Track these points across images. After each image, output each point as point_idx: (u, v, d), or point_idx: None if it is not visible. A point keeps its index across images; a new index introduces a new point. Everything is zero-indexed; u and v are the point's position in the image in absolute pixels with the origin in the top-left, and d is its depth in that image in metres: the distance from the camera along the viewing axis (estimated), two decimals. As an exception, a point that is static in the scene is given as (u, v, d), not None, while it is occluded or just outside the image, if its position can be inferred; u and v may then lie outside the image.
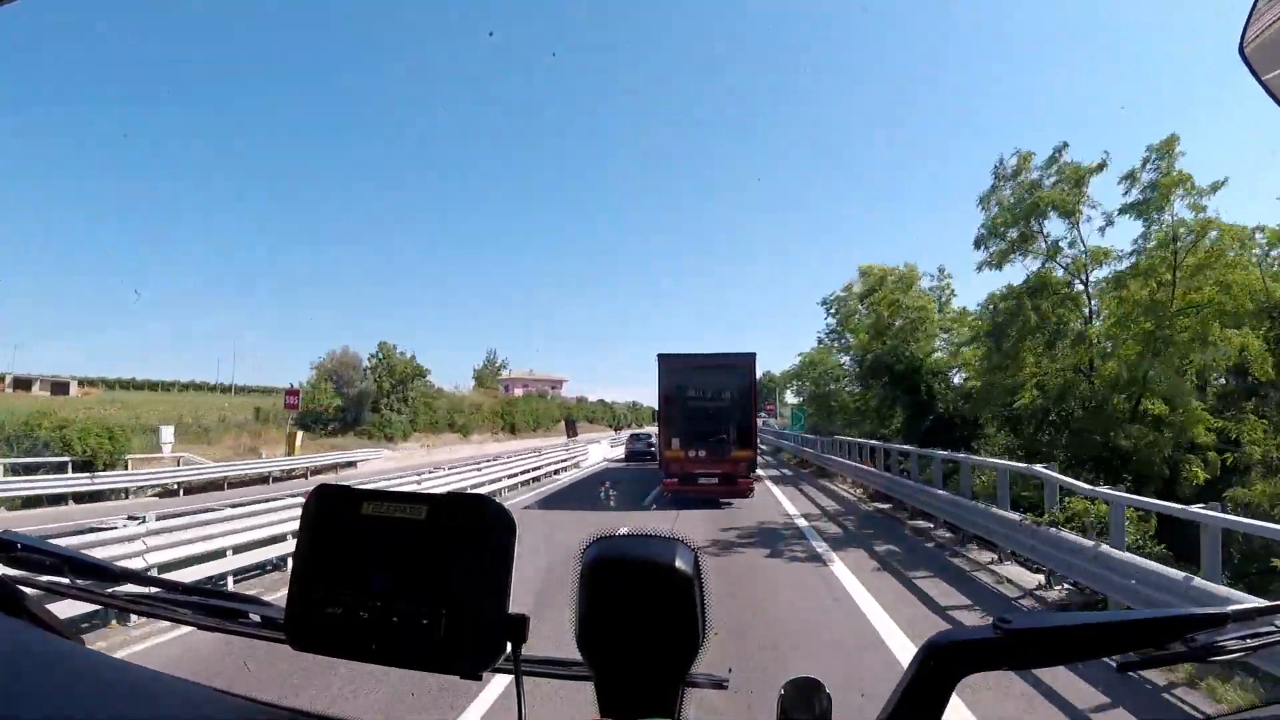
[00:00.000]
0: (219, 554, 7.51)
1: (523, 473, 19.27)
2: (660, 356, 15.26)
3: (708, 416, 14.87)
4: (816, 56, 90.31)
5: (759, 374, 16.46)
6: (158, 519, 6.97)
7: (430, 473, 15.64)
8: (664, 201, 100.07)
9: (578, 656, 0.69)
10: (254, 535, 7.99)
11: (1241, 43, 0.90)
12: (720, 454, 14.46)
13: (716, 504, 14.20)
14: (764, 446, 34.40)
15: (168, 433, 23.46)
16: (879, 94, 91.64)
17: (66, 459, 18.47)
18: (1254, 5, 0.86)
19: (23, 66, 38.54)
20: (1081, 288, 15.45)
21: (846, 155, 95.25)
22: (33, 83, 39.86)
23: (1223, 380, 14.65)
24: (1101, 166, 14.43)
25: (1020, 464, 10.67)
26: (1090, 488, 7.96)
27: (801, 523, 12.35)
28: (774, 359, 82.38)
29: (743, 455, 14.56)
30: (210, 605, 0.93)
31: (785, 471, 26.05)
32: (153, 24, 51.79)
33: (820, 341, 34.43)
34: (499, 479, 17.28)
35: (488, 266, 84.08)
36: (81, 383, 38.77)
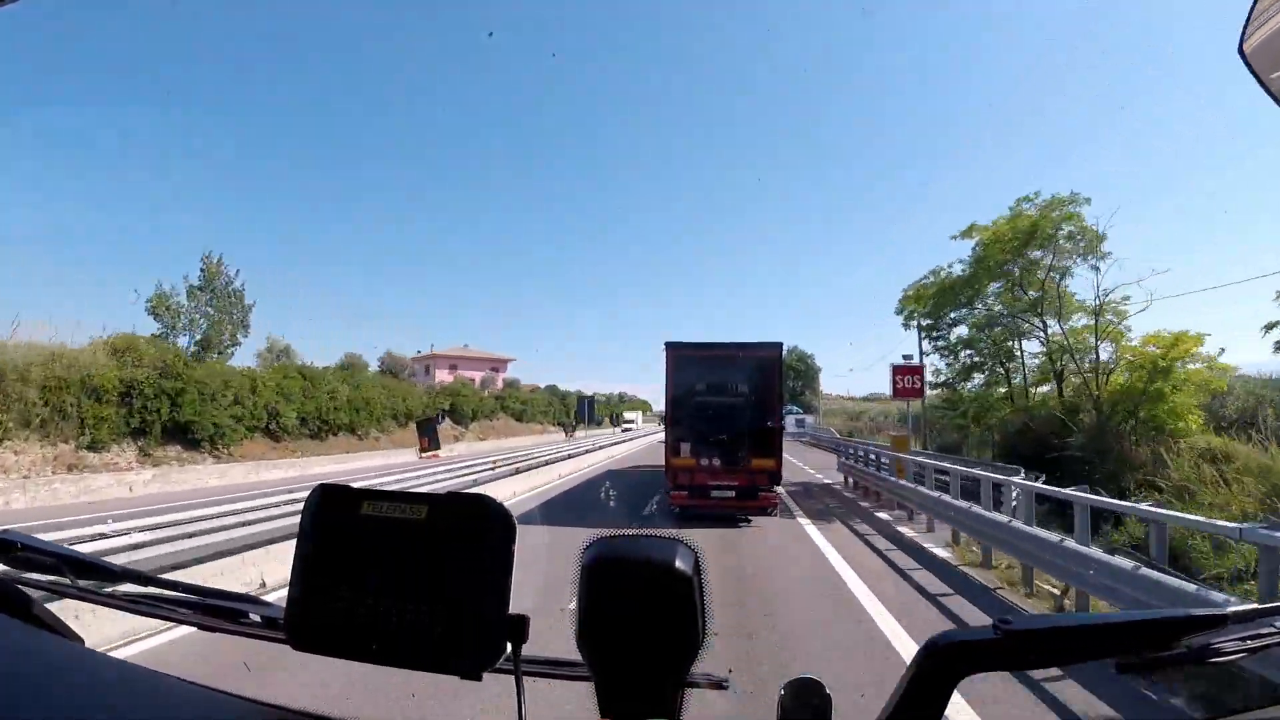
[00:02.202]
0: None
1: None
2: (669, 345, 12.82)
3: (724, 418, 12.65)
4: (817, 51, 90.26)
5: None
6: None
7: None
8: (666, 201, 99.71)
9: (578, 657, 0.70)
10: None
11: (1241, 43, 0.90)
12: (738, 463, 12.28)
13: (733, 521, 12.12)
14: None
15: None
16: (875, 93, 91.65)
17: None
18: (1253, 5, 0.86)
19: (27, 65, 38.12)
20: None
21: (848, 154, 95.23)
22: (31, 82, 39.47)
23: None
24: None
25: None
26: None
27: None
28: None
29: (765, 465, 12.27)
30: (210, 605, 0.93)
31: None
32: (152, 22, 51.49)
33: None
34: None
35: (482, 263, 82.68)
36: None
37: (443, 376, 49.46)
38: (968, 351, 22.58)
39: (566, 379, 72.05)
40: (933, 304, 22.07)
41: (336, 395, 28.45)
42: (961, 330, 22.83)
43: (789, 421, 49.08)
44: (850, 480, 17.93)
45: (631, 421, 66.18)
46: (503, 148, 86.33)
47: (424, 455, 30.27)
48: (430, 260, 78.78)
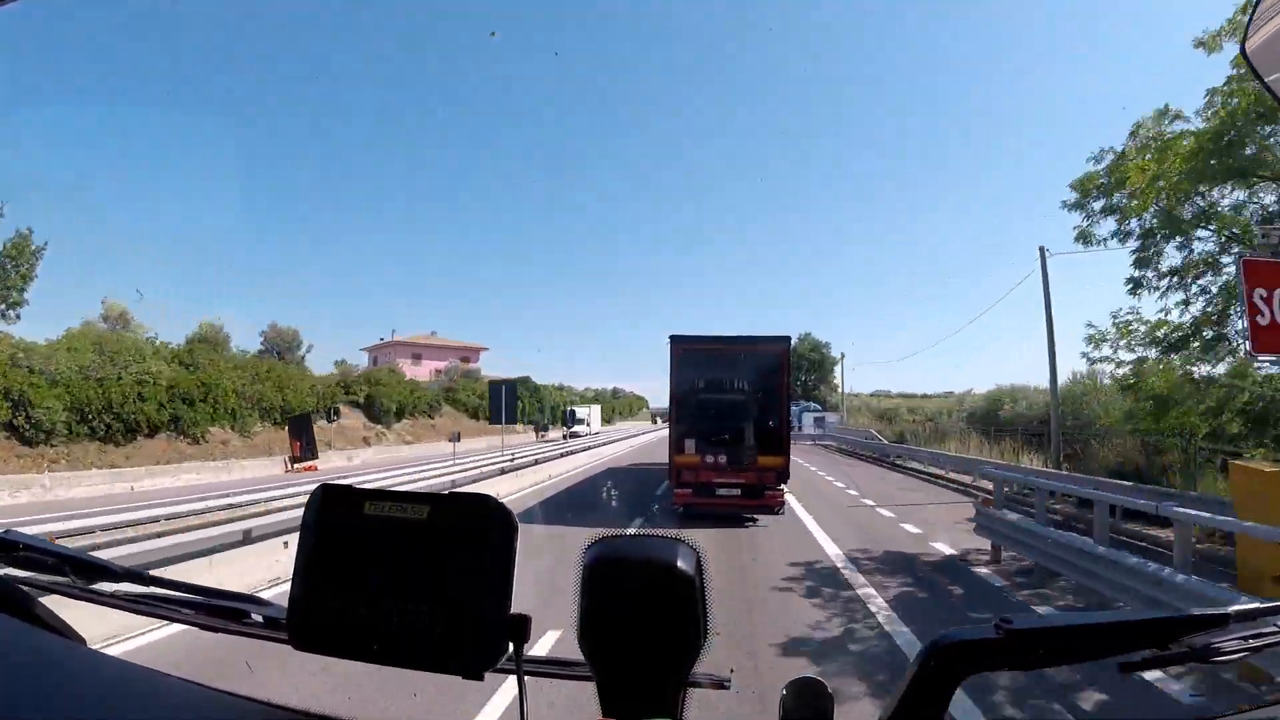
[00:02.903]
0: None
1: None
2: (673, 338, 12.53)
3: (730, 413, 12.31)
4: (817, 46, 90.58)
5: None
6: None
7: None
8: (665, 196, 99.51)
9: (579, 657, 0.70)
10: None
11: (1243, 43, 0.90)
12: (745, 460, 11.99)
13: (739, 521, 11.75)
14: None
15: None
16: (876, 92, 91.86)
17: None
18: (1255, 6, 0.87)
19: (32, 64, 37.80)
20: None
21: (846, 149, 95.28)
22: (32, 81, 39.17)
23: None
24: None
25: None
26: None
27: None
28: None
29: (772, 462, 11.96)
30: (212, 605, 0.93)
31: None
32: (152, 22, 51.33)
33: None
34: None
35: (475, 256, 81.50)
36: None
37: (404, 368, 43.30)
38: (1200, 281, 10.88)
39: (561, 375, 70.53)
40: (1188, 174, 10.22)
41: (150, 380, 19.65)
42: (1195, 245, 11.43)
43: (806, 420, 41.79)
44: (999, 550, 8.94)
45: (583, 421, 44.28)
46: (502, 143, 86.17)
47: (296, 468, 22.00)
48: (425, 256, 77.98)
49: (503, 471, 18.11)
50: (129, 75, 47.26)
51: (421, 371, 44.37)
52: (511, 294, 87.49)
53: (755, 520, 12.01)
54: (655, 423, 70.84)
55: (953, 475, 19.00)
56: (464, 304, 77.56)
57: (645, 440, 38.51)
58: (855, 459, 28.40)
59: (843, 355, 49.54)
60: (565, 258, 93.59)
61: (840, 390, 48.16)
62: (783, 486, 12.18)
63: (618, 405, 70.95)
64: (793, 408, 46.48)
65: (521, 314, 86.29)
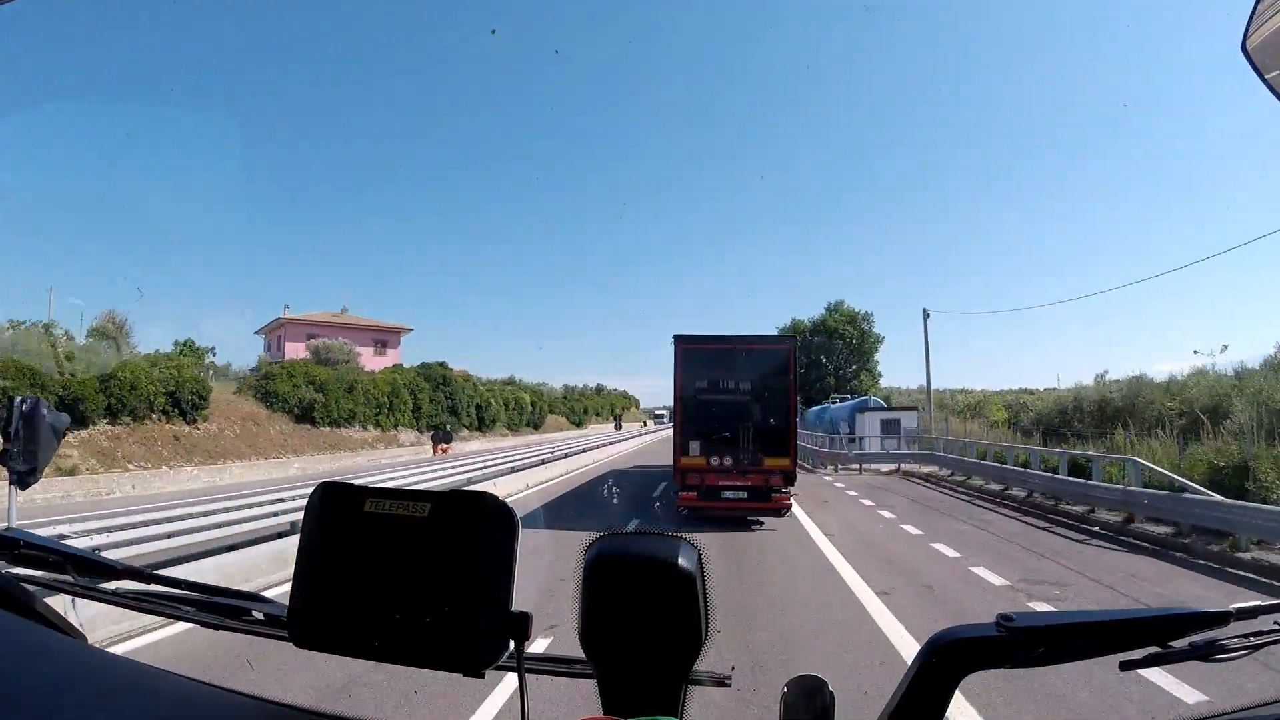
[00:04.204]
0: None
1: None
2: (677, 338, 12.45)
3: (736, 415, 12.28)
4: (815, 42, 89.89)
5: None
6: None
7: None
8: (662, 192, 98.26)
9: (581, 654, 0.70)
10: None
11: (1244, 40, 0.90)
12: (751, 462, 11.98)
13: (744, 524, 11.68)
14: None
15: None
16: (877, 91, 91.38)
17: None
18: (1256, 3, 0.87)
19: (31, 64, 37.46)
20: None
21: (848, 155, 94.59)
22: (36, 81, 38.85)
23: None
24: None
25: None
26: None
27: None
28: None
29: (778, 464, 11.98)
30: (213, 603, 0.93)
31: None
32: (152, 22, 51.26)
33: None
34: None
35: (488, 264, 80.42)
36: None
37: (298, 352, 33.36)
38: None
39: (554, 374, 66.95)
40: None
41: None
42: None
43: (866, 425, 27.53)
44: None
45: None
46: (480, 124, 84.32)
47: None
48: (418, 254, 76.32)
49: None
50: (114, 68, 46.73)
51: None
52: (493, 283, 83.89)
53: (761, 523, 11.93)
54: (620, 429, 52.69)
55: None
56: (443, 293, 74.22)
57: None
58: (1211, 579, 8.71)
59: (926, 314, 27.87)
60: (555, 249, 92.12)
61: (877, 381, 32.54)
62: (789, 489, 12.12)
63: (593, 405, 61.25)
64: (831, 406, 36.63)
65: (507, 305, 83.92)
